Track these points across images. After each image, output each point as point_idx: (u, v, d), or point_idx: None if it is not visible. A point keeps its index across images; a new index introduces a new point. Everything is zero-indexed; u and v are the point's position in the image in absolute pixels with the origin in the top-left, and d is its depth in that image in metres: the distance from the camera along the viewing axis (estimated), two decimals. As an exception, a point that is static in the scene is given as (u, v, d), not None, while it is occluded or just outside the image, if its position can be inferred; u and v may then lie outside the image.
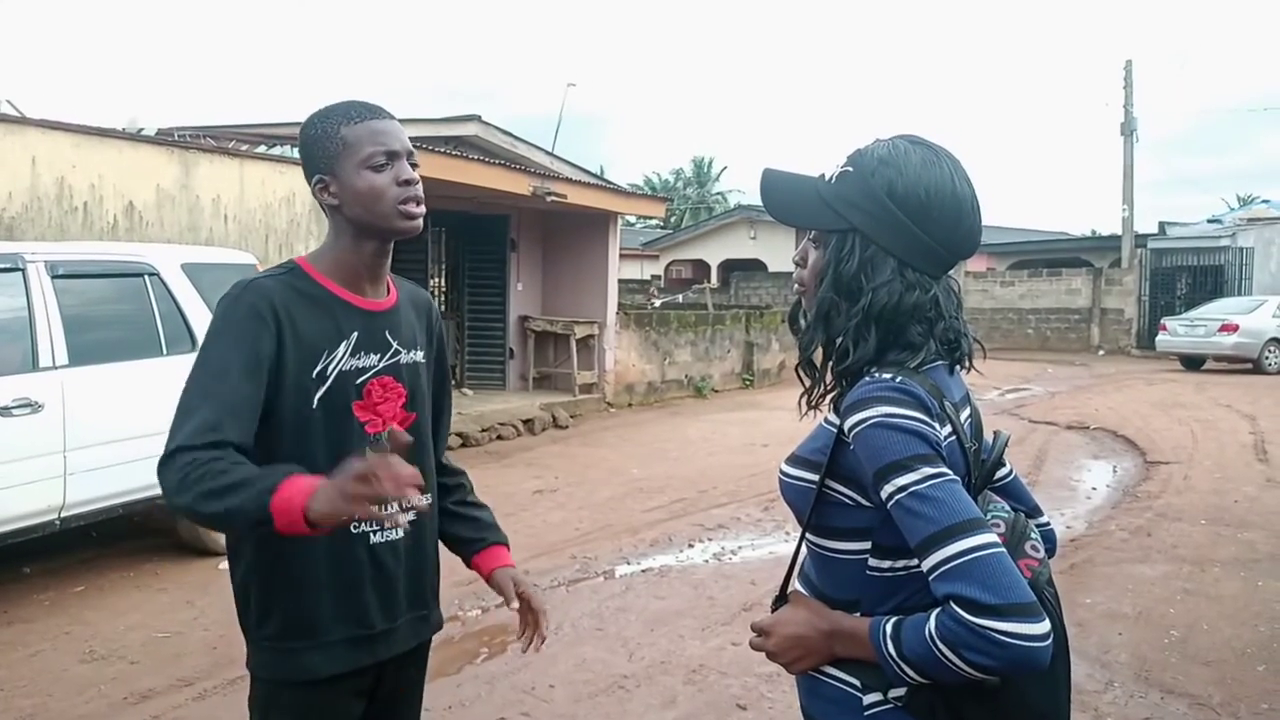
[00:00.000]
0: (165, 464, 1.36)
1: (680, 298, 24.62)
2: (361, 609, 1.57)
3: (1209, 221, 25.15)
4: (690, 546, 5.80)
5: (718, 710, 3.52)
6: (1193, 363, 17.03)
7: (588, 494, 7.18)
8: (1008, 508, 1.25)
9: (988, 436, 1.35)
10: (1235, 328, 16.13)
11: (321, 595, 1.53)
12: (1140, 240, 23.38)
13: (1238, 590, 4.83)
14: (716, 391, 13.99)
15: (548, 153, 12.78)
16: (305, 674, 1.52)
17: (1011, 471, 1.42)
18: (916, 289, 1.21)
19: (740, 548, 5.78)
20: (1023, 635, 1.01)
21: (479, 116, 12.14)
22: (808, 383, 1.31)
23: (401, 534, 1.60)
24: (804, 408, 1.31)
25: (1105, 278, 23.14)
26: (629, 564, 5.41)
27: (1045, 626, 1.02)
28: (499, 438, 9.84)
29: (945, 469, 1.11)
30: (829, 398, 1.29)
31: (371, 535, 1.57)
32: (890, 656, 1.11)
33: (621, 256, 13.79)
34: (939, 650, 1.06)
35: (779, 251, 29.05)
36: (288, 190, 8.77)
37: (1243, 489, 7.15)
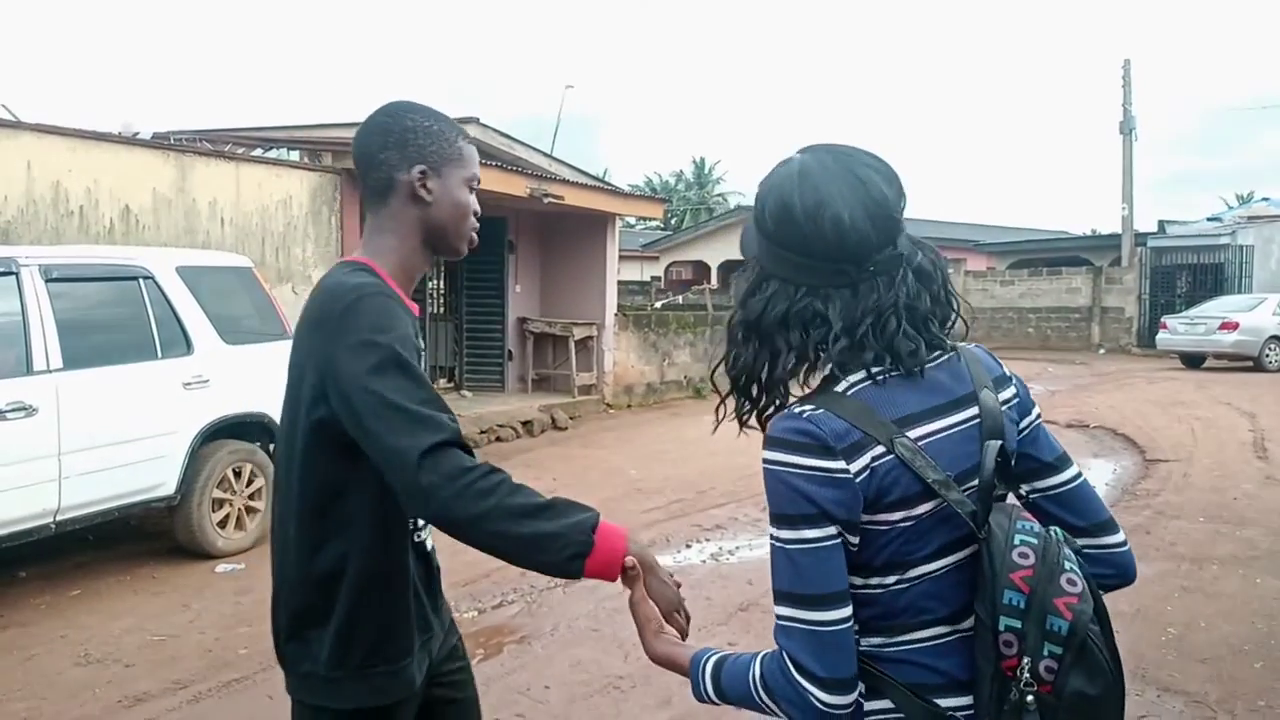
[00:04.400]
0: (436, 456, 1.24)
1: (680, 299, 24.60)
2: (423, 614, 1.53)
3: (1209, 220, 25.13)
4: (688, 547, 5.79)
5: (712, 711, 3.49)
6: (1193, 361, 17.00)
7: (584, 495, 7.10)
8: (1039, 531, 1.11)
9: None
10: (1235, 326, 16.10)
11: (410, 606, 1.48)
12: (1140, 239, 23.37)
13: (1236, 588, 4.82)
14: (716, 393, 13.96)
15: (546, 154, 12.78)
16: (401, 692, 1.46)
17: (1074, 479, 1.26)
18: (787, 302, 1.18)
19: (738, 548, 5.77)
20: (833, 705, 1.09)
21: (477, 119, 12.13)
22: (730, 401, 1.27)
23: (429, 533, 1.57)
24: (719, 419, 1.29)
25: (1105, 276, 23.13)
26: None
27: (850, 698, 1.09)
28: (498, 439, 9.84)
29: (822, 530, 1.09)
30: (754, 414, 1.25)
31: (418, 534, 1.54)
32: (705, 692, 1.20)
33: (621, 258, 13.78)
34: (758, 691, 1.13)
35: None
36: (284, 193, 8.77)
37: (1242, 486, 7.13)
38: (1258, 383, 13.89)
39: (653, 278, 32.75)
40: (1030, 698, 1.05)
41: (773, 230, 1.19)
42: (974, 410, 1.18)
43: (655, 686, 3.70)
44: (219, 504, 5.50)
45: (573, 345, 11.87)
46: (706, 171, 50.69)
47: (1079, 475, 1.28)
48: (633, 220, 44.64)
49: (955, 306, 1.23)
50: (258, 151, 9.75)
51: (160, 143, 8.35)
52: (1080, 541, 1.21)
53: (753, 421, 1.26)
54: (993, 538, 1.10)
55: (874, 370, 1.16)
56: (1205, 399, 12.11)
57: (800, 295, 1.18)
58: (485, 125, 12.12)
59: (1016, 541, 1.09)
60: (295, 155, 9.52)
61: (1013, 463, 1.20)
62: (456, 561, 5.66)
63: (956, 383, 1.19)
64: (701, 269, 32.61)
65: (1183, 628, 4.22)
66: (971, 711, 1.13)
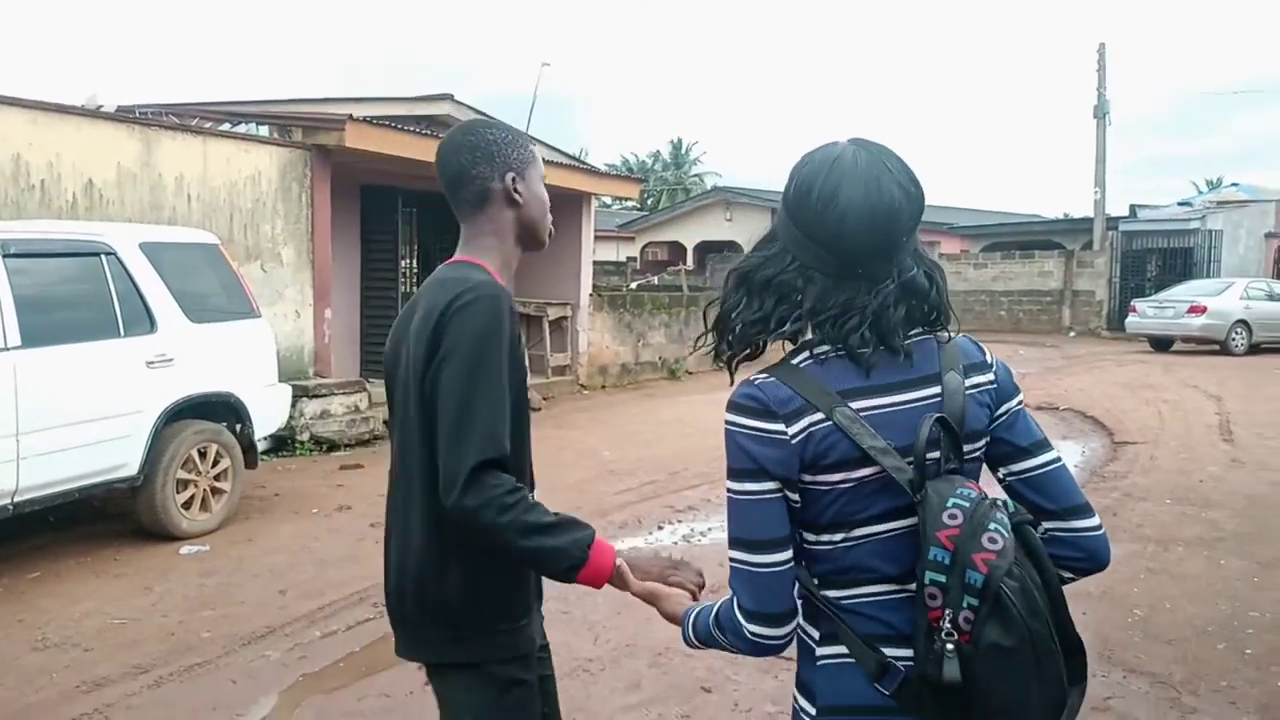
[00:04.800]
0: (482, 474, 1.44)
1: (655, 279, 24.54)
2: (537, 579, 1.72)
3: (1179, 204, 25.39)
4: (660, 528, 5.78)
5: (682, 693, 3.50)
6: (1161, 344, 17.20)
7: (558, 476, 7.13)
8: (974, 496, 1.18)
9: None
10: (1203, 309, 16.29)
11: (526, 571, 1.66)
12: (1112, 222, 23.54)
13: (1201, 569, 4.87)
14: (690, 373, 13.98)
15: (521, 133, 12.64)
16: (525, 647, 1.65)
17: (1047, 465, 1.32)
18: (778, 268, 1.28)
19: (710, 529, 5.76)
20: (760, 634, 1.26)
21: (451, 95, 11.97)
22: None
23: None
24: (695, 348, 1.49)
25: (1077, 260, 23.30)
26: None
27: (776, 631, 1.26)
28: (470, 420, 9.79)
29: (762, 485, 1.23)
30: (720, 355, 1.36)
31: None
32: (688, 635, 1.40)
33: (597, 238, 13.69)
34: (715, 627, 1.33)
35: (754, 233, 28.93)
36: (253, 169, 8.61)
37: (1208, 469, 7.22)
38: (1224, 366, 14.08)
39: (628, 258, 32.65)
40: (950, 646, 1.14)
41: (791, 203, 1.29)
42: (935, 390, 1.26)
43: (625, 670, 3.69)
44: (184, 485, 5.41)
45: (547, 325, 11.80)
46: (684, 152, 50.50)
47: (1054, 461, 1.32)
48: (609, 200, 44.33)
49: (942, 321, 1.31)
50: (226, 126, 9.54)
51: (125, 116, 8.14)
52: (1051, 525, 1.30)
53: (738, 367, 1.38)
54: (927, 501, 1.18)
55: (821, 350, 1.27)
56: (1173, 382, 12.25)
57: (790, 266, 1.28)
58: (459, 102, 11.97)
59: (949, 505, 1.16)
60: (265, 130, 9.34)
61: (980, 444, 1.30)
62: None
63: (919, 363, 1.27)
64: (678, 250, 32.53)
65: (1148, 609, 4.26)
66: (912, 662, 1.21)
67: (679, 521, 5.93)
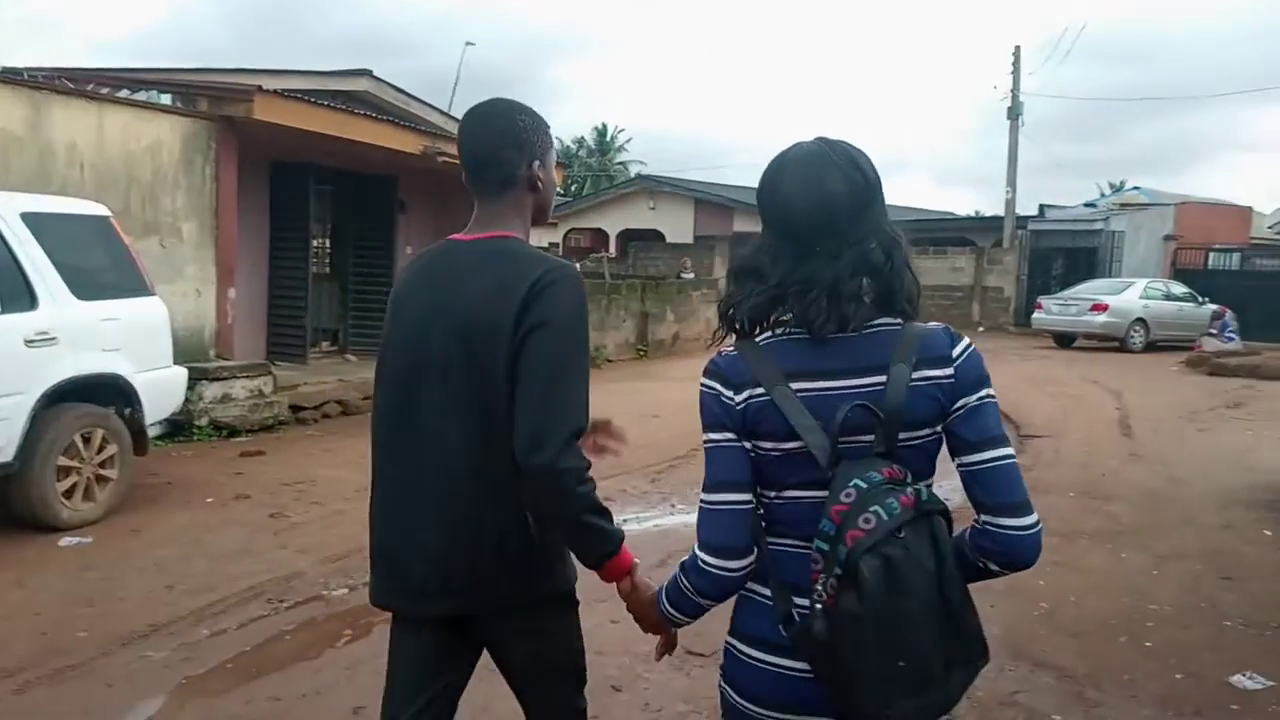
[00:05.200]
0: (574, 442, 1.58)
1: (577, 266, 24.32)
2: None
3: (1085, 205, 26.35)
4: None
5: (591, 692, 3.37)
6: (1065, 340, 17.80)
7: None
8: (877, 480, 1.29)
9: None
10: (1105, 307, 16.91)
11: None
12: (1021, 221, 24.27)
13: (1102, 562, 4.99)
14: (611, 362, 13.88)
15: (443, 112, 12.32)
16: (574, 578, 1.84)
17: (990, 461, 1.38)
18: (753, 253, 1.48)
19: (624, 521, 5.67)
20: (708, 563, 1.42)
21: (370, 72, 11.58)
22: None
23: None
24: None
25: (988, 257, 23.96)
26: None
27: (739, 564, 1.41)
28: (382, 406, 9.47)
29: (723, 435, 1.41)
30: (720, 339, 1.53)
31: None
32: (664, 611, 1.53)
33: (518, 223, 13.42)
34: (680, 578, 1.47)
35: (678, 223, 29.07)
36: (154, 139, 8.15)
37: (1108, 462, 7.44)
38: (1123, 362, 14.63)
39: (550, 244, 32.35)
40: (819, 606, 1.28)
41: (758, 197, 1.49)
42: (879, 379, 1.36)
43: (533, 667, 3.56)
44: (65, 472, 5.06)
45: (464, 310, 11.53)
46: (609, 139, 50.26)
47: (1002, 459, 1.38)
48: (534, 185, 44.09)
49: (902, 291, 1.42)
50: (125, 93, 9.01)
51: (11, 78, 7.60)
52: (984, 517, 1.38)
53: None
54: (836, 477, 1.31)
55: (783, 331, 1.43)
56: (1075, 377, 12.66)
57: (760, 251, 1.46)
58: (379, 79, 11.59)
59: (849, 484, 1.29)
60: (168, 99, 8.84)
61: (924, 432, 1.38)
62: (330, 535, 5.41)
63: (870, 353, 1.38)
64: (601, 237, 32.36)
65: (1054, 602, 4.32)
66: (807, 611, 1.34)
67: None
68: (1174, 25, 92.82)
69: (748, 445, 1.40)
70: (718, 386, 1.42)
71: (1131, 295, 17.33)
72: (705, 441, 1.43)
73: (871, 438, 1.34)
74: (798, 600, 1.37)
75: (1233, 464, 7.55)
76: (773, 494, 1.42)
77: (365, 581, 4.54)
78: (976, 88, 76.58)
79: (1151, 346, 16.96)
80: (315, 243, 11.55)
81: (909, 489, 1.30)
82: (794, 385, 1.37)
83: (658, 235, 30.05)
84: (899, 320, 1.41)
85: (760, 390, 1.38)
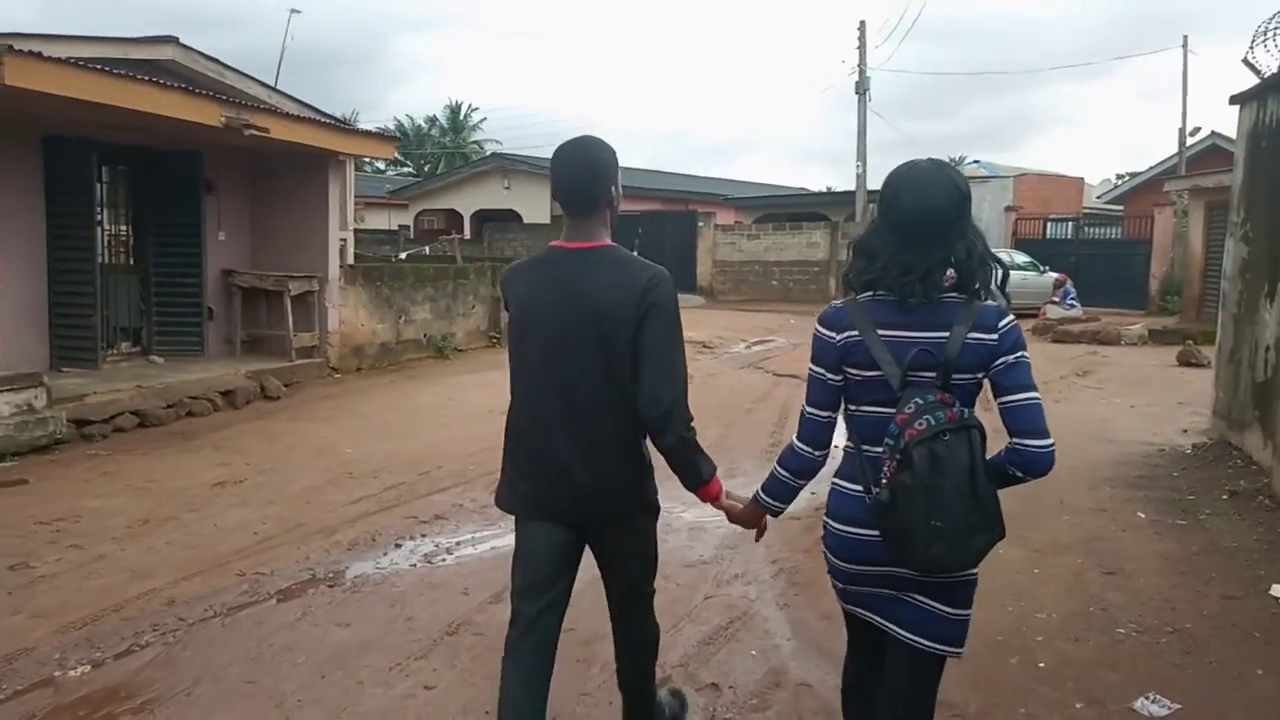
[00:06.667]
0: (684, 400, 2.28)
1: (426, 249, 23.08)
2: None
3: (931, 179, 26.86)
4: (397, 547, 4.85)
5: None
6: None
7: (282, 484, 6.02)
8: (931, 400, 1.90)
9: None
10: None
11: None
12: (873, 196, 24.54)
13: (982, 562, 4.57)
14: (460, 351, 12.98)
15: (267, 85, 11.05)
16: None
17: (1018, 401, 1.94)
18: (870, 239, 2.08)
19: (458, 543, 4.92)
20: (806, 451, 2.14)
21: (176, 39, 10.19)
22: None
23: None
24: None
25: (841, 231, 24.18)
26: (313, 577, 4.39)
27: (819, 453, 2.14)
28: (189, 414, 8.31)
29: (821, 369, 2.07)
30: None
31: None
32: (764, 502, 2.26)
33: (367, 205, 12.37)
34: (777, 465, 2.21)
35: (534, 203, 28.10)
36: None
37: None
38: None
39: (401, 226, 30.82)
40: (885, 481, 1.92)
41: (880, 199, 2.12)
42: (944, 334, 1.95)
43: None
44: None
45: (288, 301, 10.41)
46: (463, 118, 48.59)
47: (1028, 400, 1.94)
48: (382, 165, 42.02)
49: (975, 278, 2.00)
50: None
51: None
52: (1013, 440, 1.94)
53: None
54: (903, 398, 1.92)
55: (878, 293, 2.03)
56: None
57: (873, 236, 2.08)
58: (186, 46, 10.21)
59: (911, 402, 1.90)
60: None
61: (969, 376, 1.97)
62: (83, 590, 4.20)
63: (939, 316, 1.97)
64: (454, 218, 31.06)
65: (935, 617, 3.84)
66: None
67: (422, 536, 5.03)
68: (1005, 7, 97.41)
69: (838, 377, 2.05)
70: (823, 330, 2.05)
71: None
72: (810, 373, 2.09)
73: (932, 374, 1.93)
74: (874, 488, 1.96)
75: (1095, 436, 7.43)
76: (854, 407, 2.06)
77: (120, 651, 3.63)
78: (828, 66, 78.37)
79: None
80: (109, 230, 10.13)
81: (955, 408, 1.90)
82: (880, 332, 1.98)
83: (514, 216, 29.04)
84: (964, 296, 1.99)
85: (855, 333, 2.00)
